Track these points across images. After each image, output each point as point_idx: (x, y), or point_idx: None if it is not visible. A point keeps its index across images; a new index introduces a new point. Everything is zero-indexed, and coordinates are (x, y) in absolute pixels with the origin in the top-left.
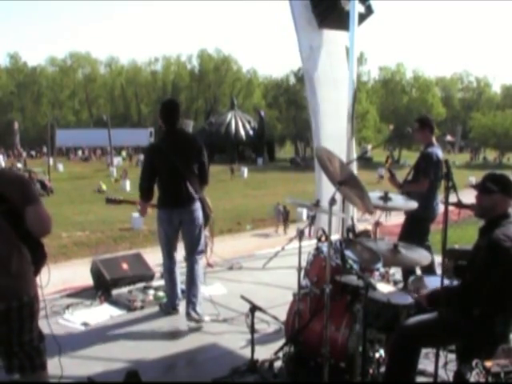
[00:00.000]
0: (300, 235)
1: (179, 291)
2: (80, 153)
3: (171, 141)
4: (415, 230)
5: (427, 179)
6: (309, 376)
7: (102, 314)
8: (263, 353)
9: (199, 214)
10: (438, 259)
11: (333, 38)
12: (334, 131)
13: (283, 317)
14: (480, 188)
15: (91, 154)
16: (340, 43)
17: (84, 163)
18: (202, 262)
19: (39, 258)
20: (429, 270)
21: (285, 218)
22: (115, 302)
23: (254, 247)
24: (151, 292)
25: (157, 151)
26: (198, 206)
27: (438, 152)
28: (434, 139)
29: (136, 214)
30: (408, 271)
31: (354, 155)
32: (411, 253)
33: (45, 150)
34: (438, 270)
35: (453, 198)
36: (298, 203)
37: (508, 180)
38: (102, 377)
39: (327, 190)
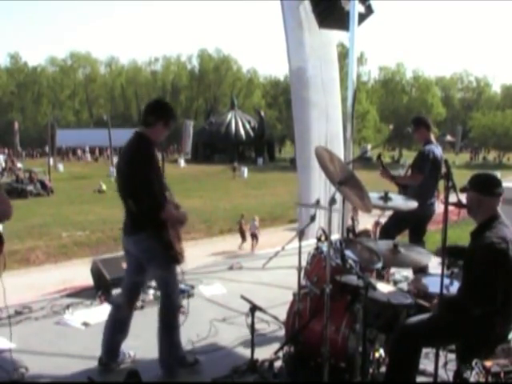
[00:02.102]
0: (300, 235)
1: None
2: (83, 153)
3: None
4: (397, 223)
5: (421, 173)
6: (309, 376)
7: (102, 313)
8: (263, 353)
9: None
10: (438, 259)
11: (325, 40)
12: (322, 134)
13: (283, 317)
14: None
15: (102, 153)
16: (332, 45)
17: (83, 163)
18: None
19: None
20: (421, 270)
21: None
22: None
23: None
24: (151, 292)
25: None
26: (144, 236)
27: (435, 150)
28: (432, 137)
29: None
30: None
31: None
32: (411, 253)
33: (51, 150)
34: (438, 270)
35: (453, 198)
36: (303, 205)
37: (480, 178)
38: (102, 377)
39: (314, 190)
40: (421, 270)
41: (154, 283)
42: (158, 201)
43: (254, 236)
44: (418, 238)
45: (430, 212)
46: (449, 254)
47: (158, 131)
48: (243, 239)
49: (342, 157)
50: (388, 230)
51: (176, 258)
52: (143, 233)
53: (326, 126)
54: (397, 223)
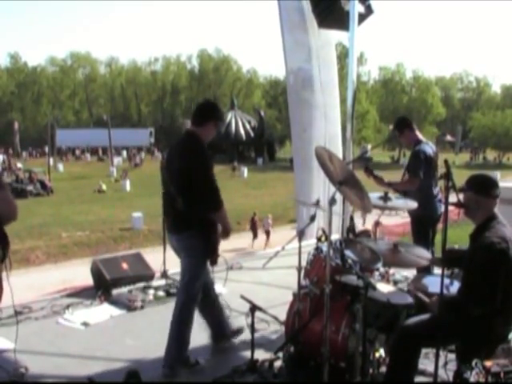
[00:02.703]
0: (300, 235)
1: None
2: (83, 153)
3: (172, 145)
4: (421, 231)
5: (417, 177)
6: (309, 376)
7: (102, 313)
8: (263, 353)
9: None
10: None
11: (324, 41)
12: (321, 134)
13: (283, 317)
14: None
15: (106, 153)
16: (331, 46)
17: (83, 163)
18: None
19: (3, 246)
20: (425, 269)
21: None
22: (115, 302)
23: None
24: (151, 292)
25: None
26: (187, 235)
27: (426, 148)
28: (419, 135)
29: (136, 214)
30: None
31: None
32: (411, 253)
33: (51, 150)
34: (438, 270)
35: (453, 198)
36: (301, 201)
37: (477, 179)
38: (102, 377)
39: (314, 190)
40: (425, 270)
41: (153, 284)
42: (218, 199)
43: (268, 233)
44: (425, 240)
45: (437, 213)
46: (447, 262)
47: (208, 131)
48: (255, 236)
49: (340, 157)
50: (419, 242)
51: (215, 261)
52: (186, 232)
53: (324, 126)
54: (420, 231)
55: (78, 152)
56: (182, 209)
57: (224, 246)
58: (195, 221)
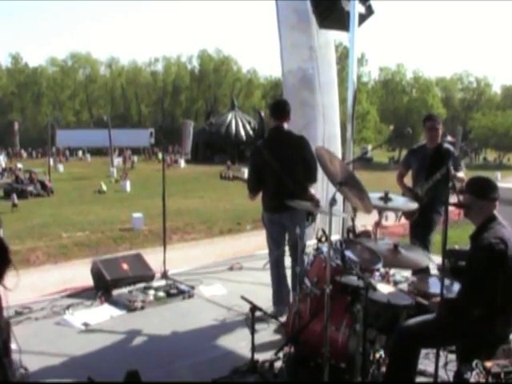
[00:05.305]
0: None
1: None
2: (83, 154)
3: (272, 138)
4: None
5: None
6: (309, 376)
7: (102, 314)
8: (263, 353)
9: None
10: (438, 260)
11: (323, 41)
12: (319, 134)
13: (283, 317)
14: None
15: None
16: (330, 46)
17: (83, 163)
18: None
19: (2, 263)
20: (422, 271)
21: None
22: (115, 303)
23: None
24: (151, 292)
25: (256, 151)
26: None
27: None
28: None
29: (136, 215)
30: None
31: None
32: (411, 253)
33: (53, 150)
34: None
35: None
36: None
37: (477, 182)
38: (102, 377)
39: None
40: (422, 271)
41: (154, 284)
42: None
43: None
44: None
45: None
46: (451, 273)
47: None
48: None
49: (339, 157)
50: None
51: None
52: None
53: (323, 126)
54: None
55: (67, 152)
56: (293, 189)
57: (225, 247)
58: (304, 197)
